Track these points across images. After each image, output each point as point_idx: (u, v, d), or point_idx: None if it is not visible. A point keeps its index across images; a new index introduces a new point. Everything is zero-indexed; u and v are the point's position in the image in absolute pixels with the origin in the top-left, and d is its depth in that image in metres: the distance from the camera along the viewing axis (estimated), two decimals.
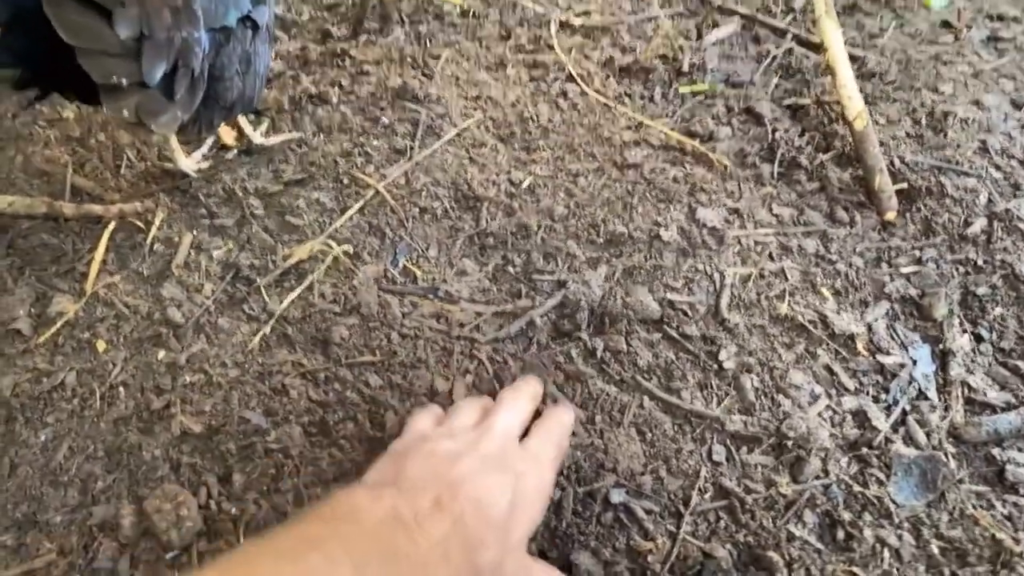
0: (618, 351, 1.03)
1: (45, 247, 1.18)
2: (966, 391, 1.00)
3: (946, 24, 1.56)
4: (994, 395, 0.99)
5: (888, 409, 0.98)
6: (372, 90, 1.44)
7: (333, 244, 1.14)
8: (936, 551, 0.83)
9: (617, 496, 0.88)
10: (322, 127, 1.36)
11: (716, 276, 1.12)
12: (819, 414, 0.97)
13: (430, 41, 1.64)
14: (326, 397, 0.97)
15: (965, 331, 1.06)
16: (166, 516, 0.83)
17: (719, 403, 0.98)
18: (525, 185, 1.24)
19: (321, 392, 0.97)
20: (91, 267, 1.14)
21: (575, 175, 1.27)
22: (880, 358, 1.03)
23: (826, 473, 0.90)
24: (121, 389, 0.99)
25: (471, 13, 1.75)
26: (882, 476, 0.90)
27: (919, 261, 1.13)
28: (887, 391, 1.00)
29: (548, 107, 1.42)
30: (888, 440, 0.94)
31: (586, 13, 1.73)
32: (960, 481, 0.90)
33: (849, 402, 0.98)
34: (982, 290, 1.09)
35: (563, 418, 0.88)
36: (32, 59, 0.90)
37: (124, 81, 0.87)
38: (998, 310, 1.07)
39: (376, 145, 1.31)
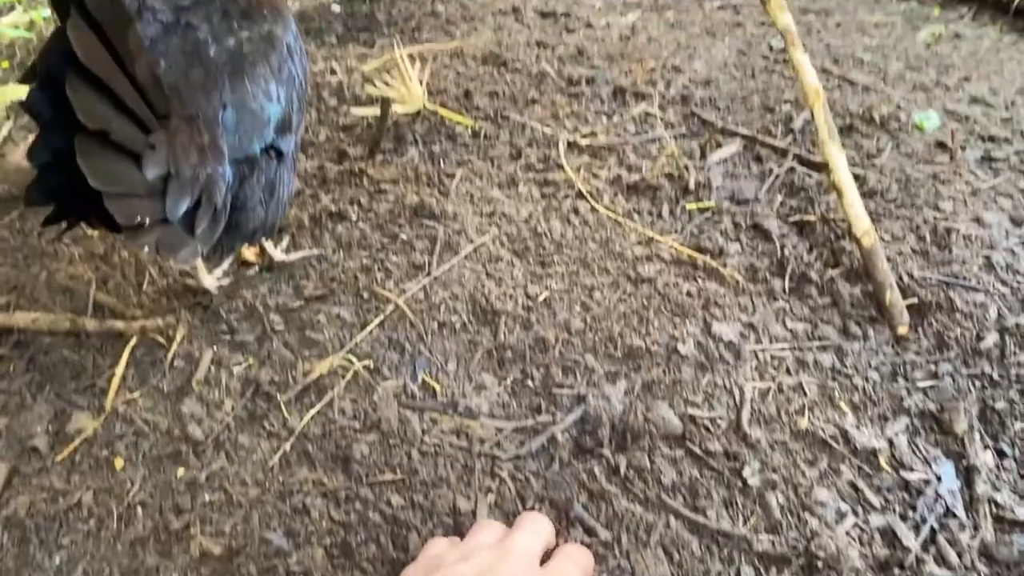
0: (641, 468, 1.02)
1: (66, 363, 1.18)
2: (994, 508, 0.99)
3: (941, 145, 1.63)
4: (1023, 512, 0.97)
5: (916, 527, 0.96)
6: (390, 207, 1.49)
7: (353, 359, 1.15)
8: None
9: None
10: (342, 243, 1.39)
11: (735, 391, 1.12)
12: (847, 532, 0.95)
13: (444, 160, 1.70)
14: (347, 517, 0.95)
15: (987, 446, 1.06)
16: None
17: (745, 522, 0.97)
18: (541, 299, 1.27)
19: (342, 512, 0.96)
20: (111, 383, 1.14)
21: (590, 289, 1.29)
22: (904, 474, 1.02)
23: None
24: (139, 508, 0.97)
25: (482, 134, 1.83)
26: None
27: (935, 375, 1.14)
28: (914, 508, 0.98)
29: (560, 223, 1.46)
30: (920, 560, 0.92)
31: (592, 134, 1.81)
32: None
33: (876, 520, 0.97)
34: (1000, 404, 1.09)
35: (584, 551, 0.86)
36: (62, 197, 0.89)
37: (147, 220, 0.87)
38: (1018, 425, 1.07)
39: (395, 261, 1.34)
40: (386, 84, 1.89)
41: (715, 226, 1.46)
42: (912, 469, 1.03)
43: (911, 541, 0.94)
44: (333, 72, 2.20)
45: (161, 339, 1.21)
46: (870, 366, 1.16)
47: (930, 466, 1.04)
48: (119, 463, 1.03)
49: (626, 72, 2.08)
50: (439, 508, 0.97)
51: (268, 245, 1.33)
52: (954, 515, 0.98)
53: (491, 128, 1.85)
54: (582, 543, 0.91)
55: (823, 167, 1.36)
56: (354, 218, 1.46)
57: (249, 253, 1.36)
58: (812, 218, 1.44)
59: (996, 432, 1.07)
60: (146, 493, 0.99)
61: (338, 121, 1.93)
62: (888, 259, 1.29)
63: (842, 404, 1.11)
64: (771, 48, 2.23)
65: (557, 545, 0.87)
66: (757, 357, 1.17)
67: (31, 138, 0.91)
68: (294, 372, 1.15)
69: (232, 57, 1.01)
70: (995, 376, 1.13)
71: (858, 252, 1.28)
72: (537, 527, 0.84)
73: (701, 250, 1.38)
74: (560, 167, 1.65)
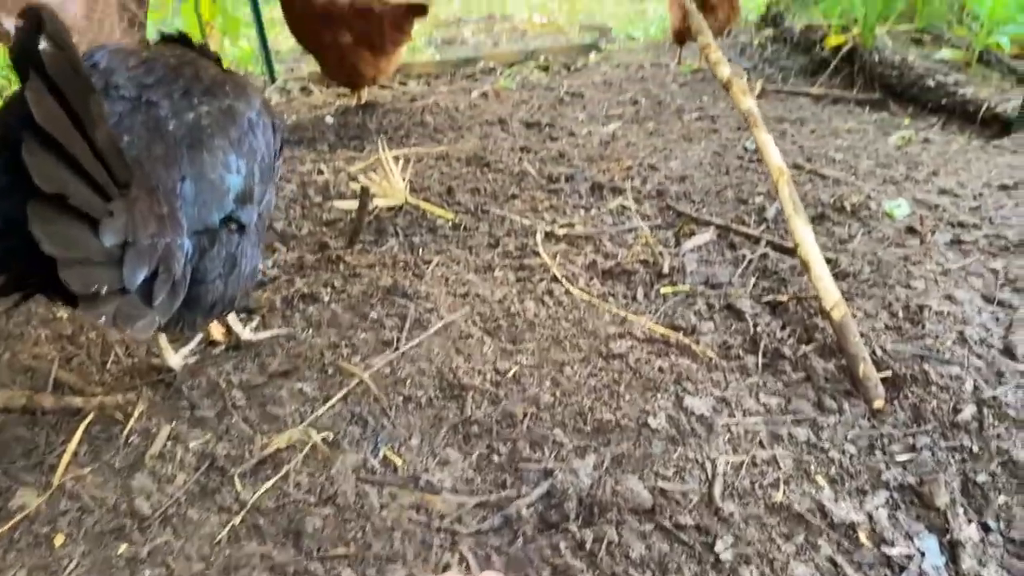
0: (609, 543, 0.97)
1: (18, 440, 1.15)
2: None
3: (911, 230, 1.65)
4: None
5: None
6: (363, 289, 1.49)
7: (313, 432, 1.11)
8: None
9: None
10: (312, 323, 1.38)
11: (707, 464, 1.08)
12: None
13: (423, 249, 1.72)
14: None
15: (971, 520, 1.01)
16: None
17: None
18: (511, 374, 1.24)
19: None
20: (62, 459, 1.10)
21: (561, 365, 1.27)
22: (886, 549, 0.97)
23: None
24: None
25: (463, 226, 1.85)
26: None
27: (913, 448, 1.11)
28: None
29: (534, 303, 1.46)
30: None
31: (570, 225, 1.83)
32: None
33: None
34: (982, 478, 1.05)
35: None
36: (14, 267, 0.88)
37: (103, 290, 0.86)
38: (1002, 498, 1.03)
39: (363, 338, 1.33)
40: (369, 179, 1.94)
41: (689, 307, 1.45)
42: (894, 544, 0.98)
43: None
44: (320, 172, 2.25)
45: (119, 416, 1.18)
46: (846, 439, 1.12)
47: (912, 541, 0.98)
48: (59, 540, 0.98)
49: (604, 170, 2.14)
50: None
51: (236, 324, 1.32)
52: None
53: (471, 221, 1.88)
54: None
55: (796, 251, 1.37)
56: (326, 299, 1.45)
57: (216, 332, 1.35)
58: (784, 298, 1.43)
59: (980, 506, 1.03)
60: (83, 569, 0.93)
61: (322, 216, 1.96)
62: (862, 334, 1.27)
63: (818, 478, 1.07)
64: (746, 150, 2.30)
65: None
66: (730, 431, 1.14)
67: None
68: (251, 446, 1.11)
69: (191, 130, 1.03)
70: (975, 449, 1.09)
71: (831, 328, 1.27)
72: None
73: (674, 328, 1.37)
74: (536, 254, 1.67)
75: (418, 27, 4.75)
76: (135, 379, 1.27)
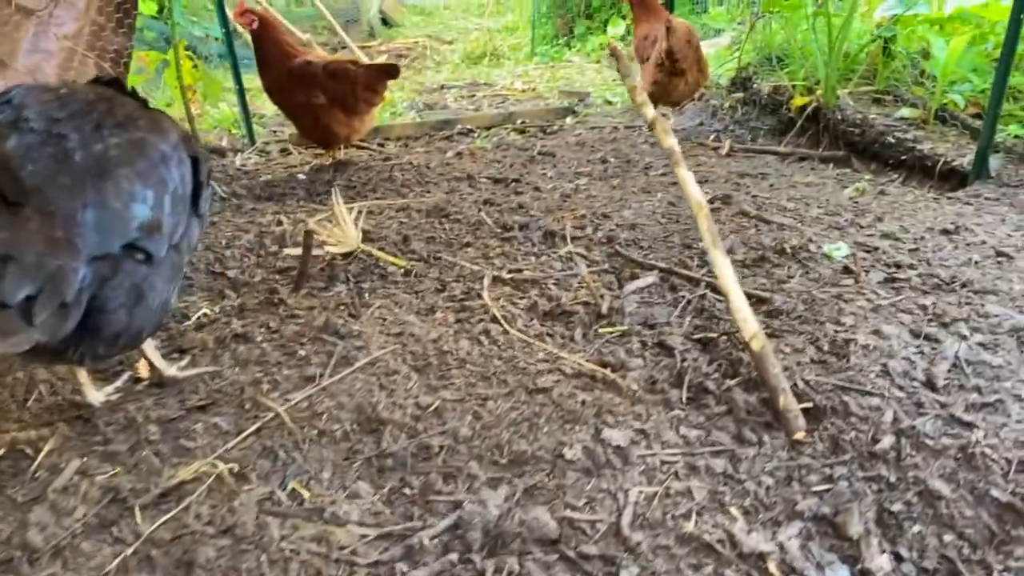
0: (510, 572, 0.94)
1: None
2: None
3: (847, 270, 1.66)
4: None
5: None
6: (297, 329, 1.49)
7: (220, 464, 1.10)
8: None
9: None
10: (239, 361, 1.38)
11: (620, 495, 1.06)
12: None
13: (369, 294, 1.72)
14: None
15: (884, 550, 0.98)
16: None
17: None
18: (432, 408, 1.23)
19: None
20: None
21: (484, 399, 1.26)
22: None
23: None
24: None
25: (413, 273, 1.86)
26: None
27: (830, 479, 1.09)
28: None
29: (469, 342, 1.45)
30: None
31: (518, 270, 1.84)
32: None
33: None
34: (898, 507, 1.03)
35: None
36: None
37: None
38: (916, 527, 1.00)
39: (287, 374, 1.32)
40: (322, 227, 1.96)
41: (623, 345, 1.45)
42: (803, 574, 0.95)
43: None
44: (280, 223, 2.28)
45: (30, 451, 1.16)
46: (763, 471, 1.11)
47: (823, 571, 0.96)
48: None
49: (558, 220, 2.16)
50: None
51: (159, 362, 1.32)
52: None
53: (423, 267, 1.89)
54: None
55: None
56: (259, 339, 1.45)
57: (143, 369, 1.34)
58: (715, 334, 1.43)
59: (894, 535, 1.00)
60: None
61: (275, 264, 1.97)
62: (786, 368, 1.27)
63: (732, 509, 1.05)
64: None
65: None
66: (646, 462, 1.12)
67: None
68: (158, 479, 1.09)
69: (98, 161, 1.05)
70: (892, 479, 1.07)
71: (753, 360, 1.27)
72: None
73: (603, 364, 1.37)
74: (479, 296, 1.67)
75: (401, 92, 4.89)
76: (54, 415, 1.26)
